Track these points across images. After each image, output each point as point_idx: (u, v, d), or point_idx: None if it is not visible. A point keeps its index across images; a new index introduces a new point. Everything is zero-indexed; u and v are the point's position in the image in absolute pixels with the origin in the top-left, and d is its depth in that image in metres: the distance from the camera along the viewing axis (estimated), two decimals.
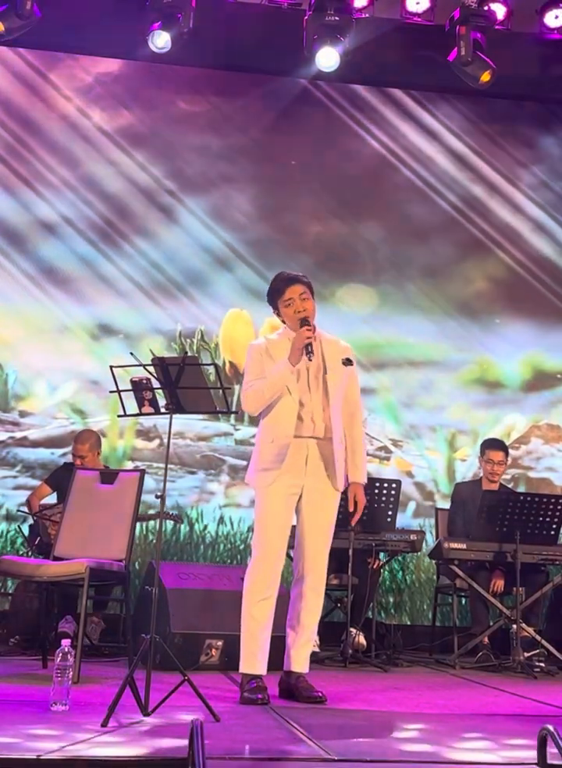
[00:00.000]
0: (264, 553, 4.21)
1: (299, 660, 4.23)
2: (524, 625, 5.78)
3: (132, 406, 3.98)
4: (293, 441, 4.21)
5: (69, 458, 6.82)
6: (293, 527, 4.36)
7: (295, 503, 4.28)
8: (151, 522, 6.97)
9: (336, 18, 6.99)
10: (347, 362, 4.38)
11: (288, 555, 4.68)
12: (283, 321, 4.41)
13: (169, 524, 6.71)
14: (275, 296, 4.38)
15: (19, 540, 6.79)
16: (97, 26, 7.25)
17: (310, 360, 4.17)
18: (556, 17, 7.57)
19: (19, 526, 6.72)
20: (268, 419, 4.30)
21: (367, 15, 7.39)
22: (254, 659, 4.14)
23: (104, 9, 7.18)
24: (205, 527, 7.28)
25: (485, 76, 7.18)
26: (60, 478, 6.31)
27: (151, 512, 6.51)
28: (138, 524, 6.66)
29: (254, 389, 4.25)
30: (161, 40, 6.97)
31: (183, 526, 7.08)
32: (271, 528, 4.22)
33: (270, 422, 4.28)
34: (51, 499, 6.40)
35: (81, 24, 7.25)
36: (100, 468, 6.19)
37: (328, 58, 7.13)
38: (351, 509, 4.36)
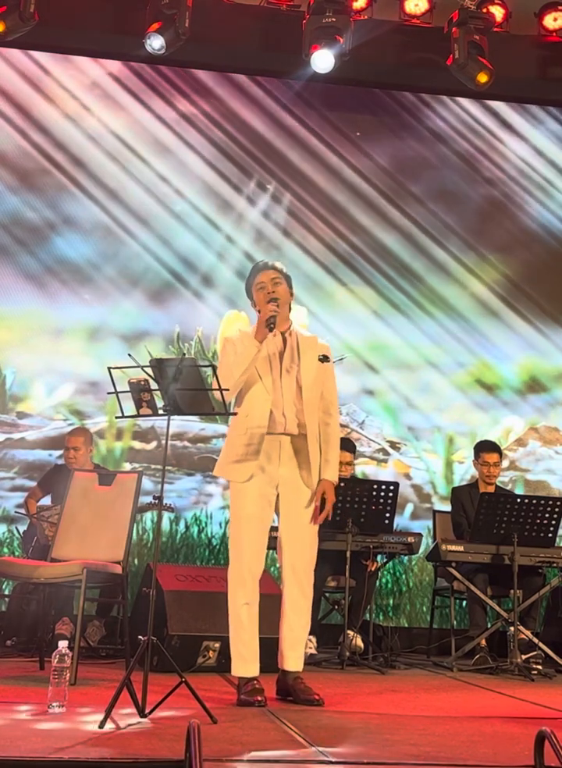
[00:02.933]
0: (239, 557, 4.16)
1: (291, 660, 4.19)
2: (521, 627, 5.78)
3: (130, 407, 3.98)
4: (265, 436, 4.16)
5: (63, 460, 6.82)
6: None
7: (273, 504, 4.22)
8: (150, 523, 6.98)
9: (334, 20, 6.99)
10: (324, 359, 4.33)
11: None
12: (258, 311, 4.32)
13: (168, 526, 6.71)
14: (249, 283, 4.37)
15: (16, 542, 6.78)
16: (96, 28, 7.25)
17: (270, 330, 4.10)
18: (555, 19, 7.58)
19: (16, 527, 6.71)
20: (240, 410, 4.23)
21: (365, 17, 7.40)
22: (243, 661, 4.12)
23: (102, 11, 7.18)
24: (202, 528, 7.27)
25: (483, 78, 7.18)
26: (52, 480, 6.32)
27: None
28: (136, 525, 6.66)
29: (223, 369, 4.12)
30: (157, 42, 6.96)
31: (181, 528, 7.07)
32: (246, 530, 4.16)
33: (241, 414, 4.21)
34: (45, 501, 6.40)
35: (80, 26, 7.25)
36: (91, 467, 6.20)
37: (324, 60, 7.11)
38: (317, 503, 4.21)
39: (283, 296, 4.29)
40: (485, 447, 6.66)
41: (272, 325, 4.11)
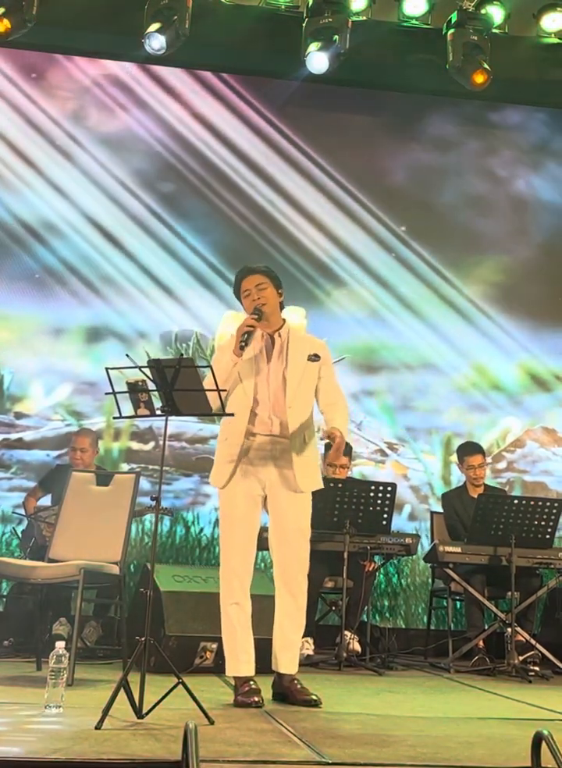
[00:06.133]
0: (227, 558, 4.16)
1: (284, 662, 4.17)
2: (518, 629, 5.78)
3: (127, 408, 3.98)
4: (249, 439, 4.14)
5: (63, 460, 6.82)
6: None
7: (260, 504, 4.20)
8: (148, 524, 6.98)
9: (331, 20, 6.98)
10: (314, 358, 4.24)
11: None
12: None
13: (169, 526, 6.71)
14: (236, 290, 4.33)
15: (14, 542, 6.78)
16: (96, 28, 7.25)
17: (241, 349, 4.04)
18: (554, 21, 7.58)
19: (13, 528, 6.71)
20: (225, 417, 4.19)
21: (364, 18, 7.40)
22: (237, 662, 4.12)
23: (102, 11, 7.18)
24: (201, 529, 7.28)
25: (480, 78, 7.18)
26: (53, 480, 6.31)
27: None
28: (135, 526, 6.65)
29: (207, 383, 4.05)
30: (157, 43, 6.96)
31: (178, 528, 7.07)
32: (233, 531, 4.15)
33: (226, 419, 4.19)
34: (45, 500, 6.40)
35: (79, 26, 7.25)
36: (93, 469, 6.19)
37: (319, 61, 7.08)
38: (326, 439, 4.18)
39: (270, 300, 4.24)
40: (467, 450, 6.65)
41: (243, 344, 4.05)
